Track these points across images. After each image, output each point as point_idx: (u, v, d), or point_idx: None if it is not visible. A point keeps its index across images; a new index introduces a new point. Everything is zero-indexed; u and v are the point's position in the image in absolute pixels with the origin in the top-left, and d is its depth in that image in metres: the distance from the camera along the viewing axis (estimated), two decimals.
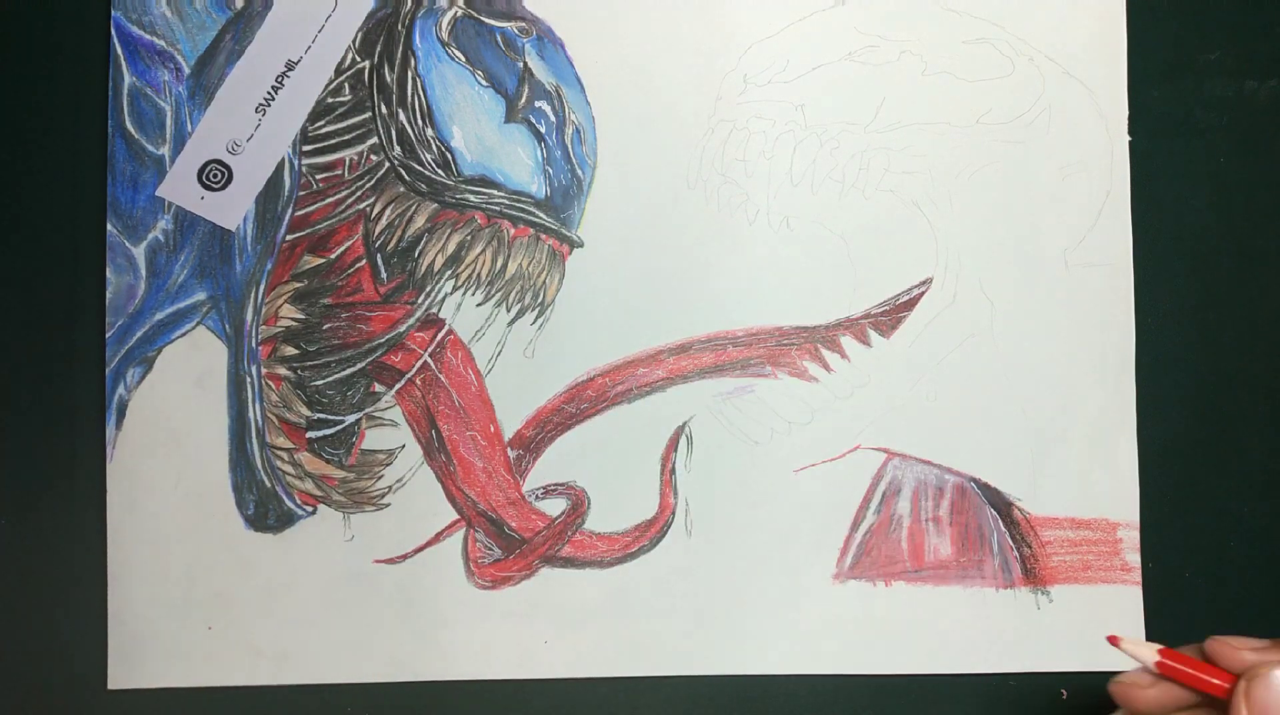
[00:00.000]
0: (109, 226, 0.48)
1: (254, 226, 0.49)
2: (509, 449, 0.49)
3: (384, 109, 0.49)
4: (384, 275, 0.49)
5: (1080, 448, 0.49)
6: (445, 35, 0.49)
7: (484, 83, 0.49)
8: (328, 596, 0.48)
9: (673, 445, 0.49)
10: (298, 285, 0.49)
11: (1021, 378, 0.49)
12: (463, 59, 0.49)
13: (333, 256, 0.49)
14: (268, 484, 0.48)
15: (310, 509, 0.48)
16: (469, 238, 0.49)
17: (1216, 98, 0.51)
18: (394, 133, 0.49)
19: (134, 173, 0.49)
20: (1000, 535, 0.49)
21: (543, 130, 0.49)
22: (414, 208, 0.49)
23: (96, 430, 0.48)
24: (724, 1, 0.49)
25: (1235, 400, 0.50)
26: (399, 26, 0.49)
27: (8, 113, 0.50)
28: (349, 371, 0.49)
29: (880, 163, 0.49)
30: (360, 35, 0.49)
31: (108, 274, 0.48)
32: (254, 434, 0.48)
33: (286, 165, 0.49)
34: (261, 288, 0.49)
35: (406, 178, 0.49)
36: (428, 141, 0.49)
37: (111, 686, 0.48)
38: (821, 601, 0.48)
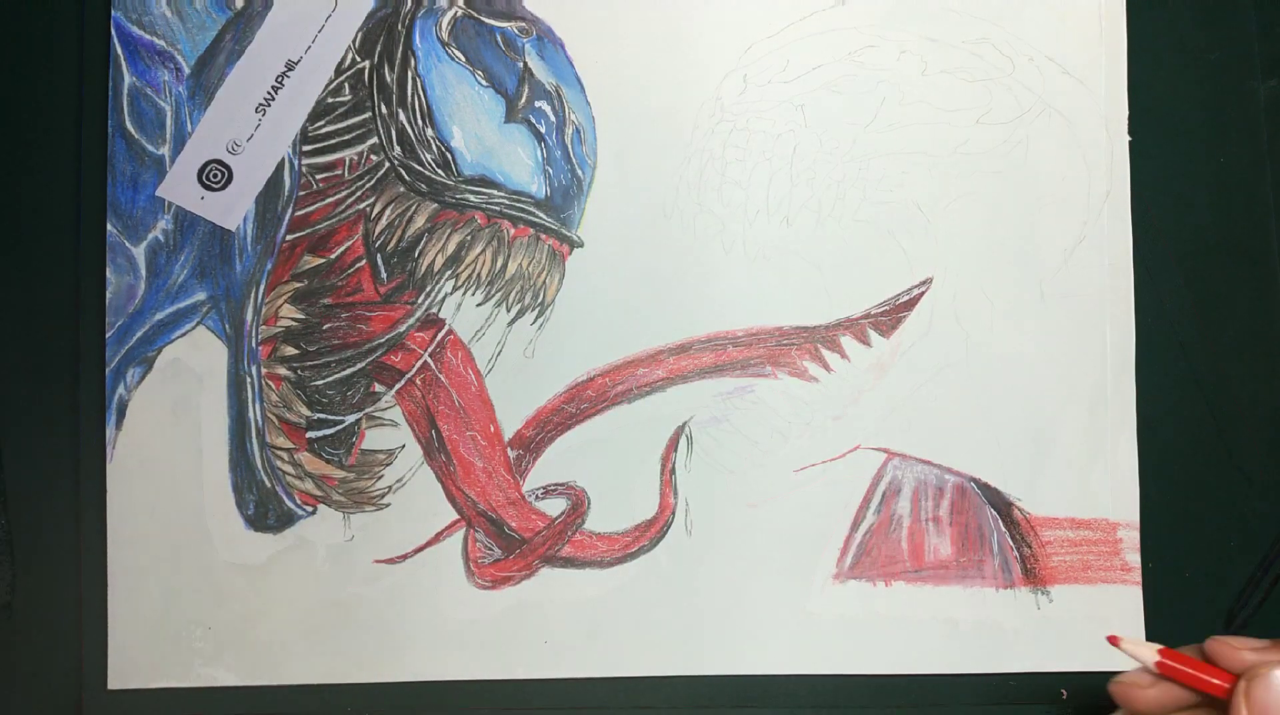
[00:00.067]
0: (109, 226, 0.49)
1: (254, 226, 0.49)
2: (509, 449, 0.49)
3: (384, 109, 0.49)
4: (384, 275, 0.49)
5: (1080, 448, 0.49)
6: (445, 35, 0.49)
7: (484, 83, 0.49)
8: (327, 596, 0.48)
9: (673, 445, 0.49)
10: (298, 285, 0.49)
11: (1022, 378, 0.49)
12: (463, 59, 0.49)
13: (333, 256, 0.49)
14: (268, 484, 0.48)
15: (310, 509, 0.48)
16: (469, 238, 0.49)
17: (1217, 98, 0.51)
18: (394, 133, 0.49)
19: (134, 173, 0.49)
20: (1000, 535, 0.49)
21: (543, 130, 0.49)
22: (414, 208, 0.49)
23: (96, 430, 0.48)
24: (724, 3, 0.50)
25: (1235, 400, 0.50)
26: (399, 26, 0.49)
27: (8, 112, 0.50)
28: (349, 371, 0.49)
29: (881, 167, 0.49)
30: (360, 35, 0.49)
31: (108, 274, 0.48)
32: (254, 434, 0.48)
33: (286, 165, 0.49)
34: (261, 288, 0.49)
35: (406, 178, 0.49)
36: (428, 141, 0.49)
37: (111, 686, 0.48)
38: (821, 601, 0.48)
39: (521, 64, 0.49)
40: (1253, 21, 0.51)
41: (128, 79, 0.49)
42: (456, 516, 0.48)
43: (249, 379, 0.48)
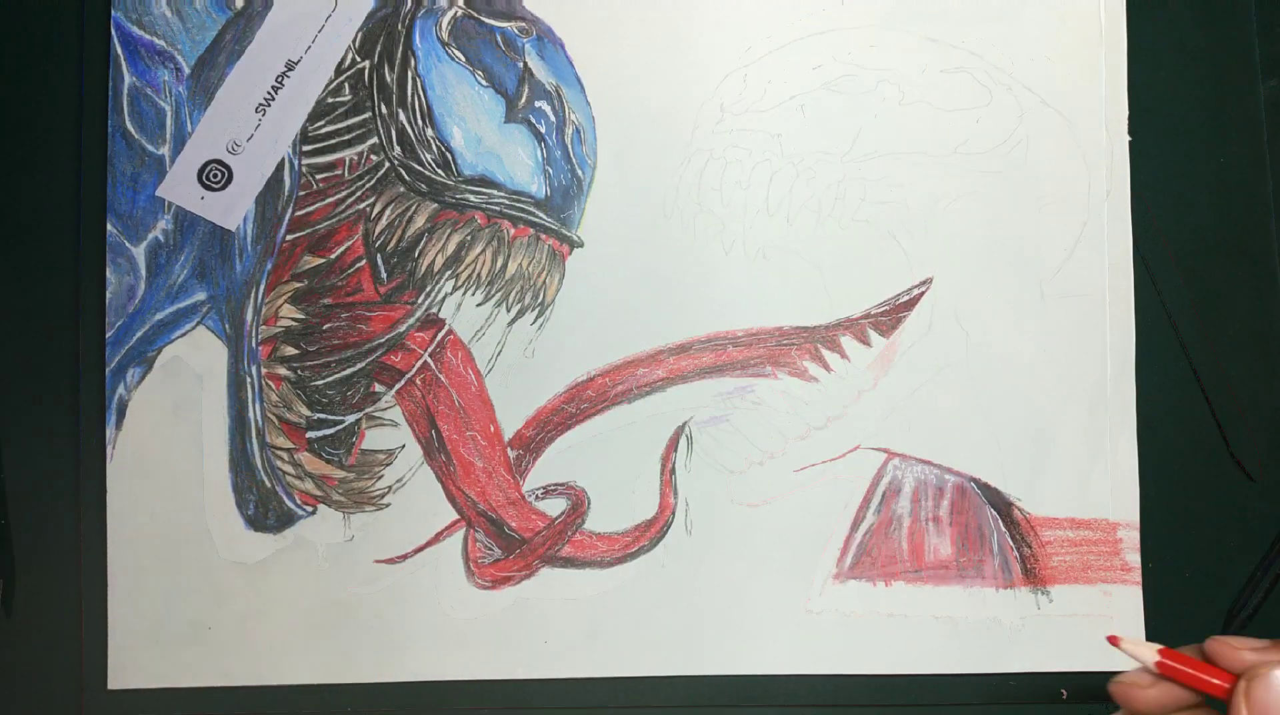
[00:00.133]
0: (109, 226, 0.49)
1: (254, 226, 0.49)
2: (509, 449, 0.49)
3: (384, 109, 0.49)
4: (384, 275, 0.49)
5: (1080, 448, 0.49)
6: (445, 35, 0.49)
7: (484, 83, 0.49)
8: (327, 596, 0.48)
9: (673, 445, 0.49)
10: (298, 285, 0.49)
11: (1022, 378, 0.49)
12: (463, 59, 0.49)
13: (333, 256, 0.49)
14: (268, 484, 0.48)
15: (310, 509, 0.48)
16: (469, 238, 0.49)
17: (1217, 98, 0.51)
18: (394, 133, 0.49)
19: (134, 173, 0.49)
20: (1000, 535, 0.49)
21: (543, 130, 0.49)
22: (414, 208, 0.49)
23: (96, 430, 0.48)
24: (724, 3, 0.50)
25: (1235, 400, 0.50)
26: (399, 26, 0.49)
27: (8, 112, 0.50)
28: (349, 371, 0.49)
29: (881, 167, 0.49)
30: (360, 35, 0.49)
31: (108, 274, 0.48)
32: (254, 434, 0.48)
33: (286, 165, 0.49)
34: (261, 288, 0.49)
35: (406, 178, 0.49)
36: (428, 141, 0.49)
37: (111, 686, 0.48)
38: (821, 601, 0.48)
39: (521, 64, 0.49)
40: (1253, 21, 0.51)
41: (128, 79, 0.49)
42: (456, 516, 0.48)
43: (249, 379, 0.48)
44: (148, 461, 0.48)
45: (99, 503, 0.48)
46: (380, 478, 0.48)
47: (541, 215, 0.49)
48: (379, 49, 0.49)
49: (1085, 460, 0.49)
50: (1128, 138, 0.50)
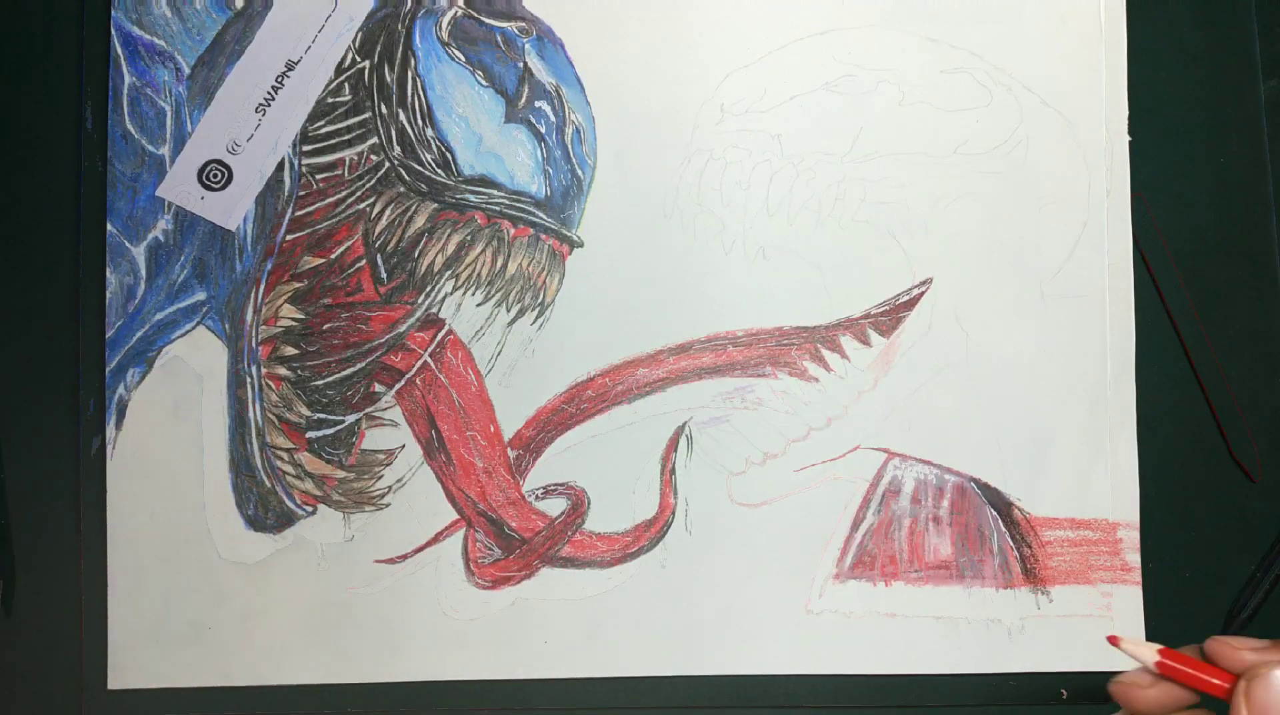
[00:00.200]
0: (109, 226, 0.49)
1: (254, 226, 0.49)
2: (509, 449, 0.49)
3: (384, 109, 0.49)
4: (384, 275, 0.49)
5: (1080, 448, 0.49)
6: (445, 35, 0.49)
7: (484, 83, 0.49)
8: (327, 597, 0.48)
9: (673, 445, 0.49)
10: (298, 285, 0.49)
11: (1022, 378, 0.49)
12: (463, 59, 0.49)
13: (333, 256, 0.49)
14: (268, 484, 0.48)
15: (310, 509, 0.48)
16: (469, 238, 0.49)
17: (1217, 98, 0.51)
18: (394, 133, 0.49)
19: (134, 173, 0.49)
20: (1000, 535, 0.49)
21: (543, 130, 0.49)
22: (414, 208, 0.49)
23: (96, 430, 0.48)
24: (723, 3, 0.50)
25: (1235, 400, 0.50)
26: (399, 26, 0.49)
27: (8, 112, 0.50)
28: (349, 371, 0.49)
29: (881, 167, 0.49)
30: (360, 35, 0.49)
31: (108, 274, 0.48)
32: (254, 434, 0.48)
33: (286, 165, 0.49)
34: (261, 288, 0.49)
35: (406, 178, 0.49)
36: (428, 141, 0.49)
37: (111, 686, 0.48)
38: (821, 601, 0.48)
39: (521, 64, 0.49)
40: (1253, 21, 0.51)
41: (128, 79, 0.49)
42: (456, 516, 0.48)
43: (249, 379, 0.48)
44: (148, 461, 0.48)
45: (99, 503, 0.48)
46: (380, 478, 0.48)
47: (541, 215, 0.49)
48: (379, 49, 0.49)
49: (1085, 460, 0.49)
50: (1128, 138, 0.50)
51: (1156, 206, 0.50)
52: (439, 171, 0.49)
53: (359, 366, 0.49)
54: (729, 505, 0.49)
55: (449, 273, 0.49)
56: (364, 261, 0.49)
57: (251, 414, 0.48)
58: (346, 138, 0.49)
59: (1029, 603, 0.49)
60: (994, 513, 0.49)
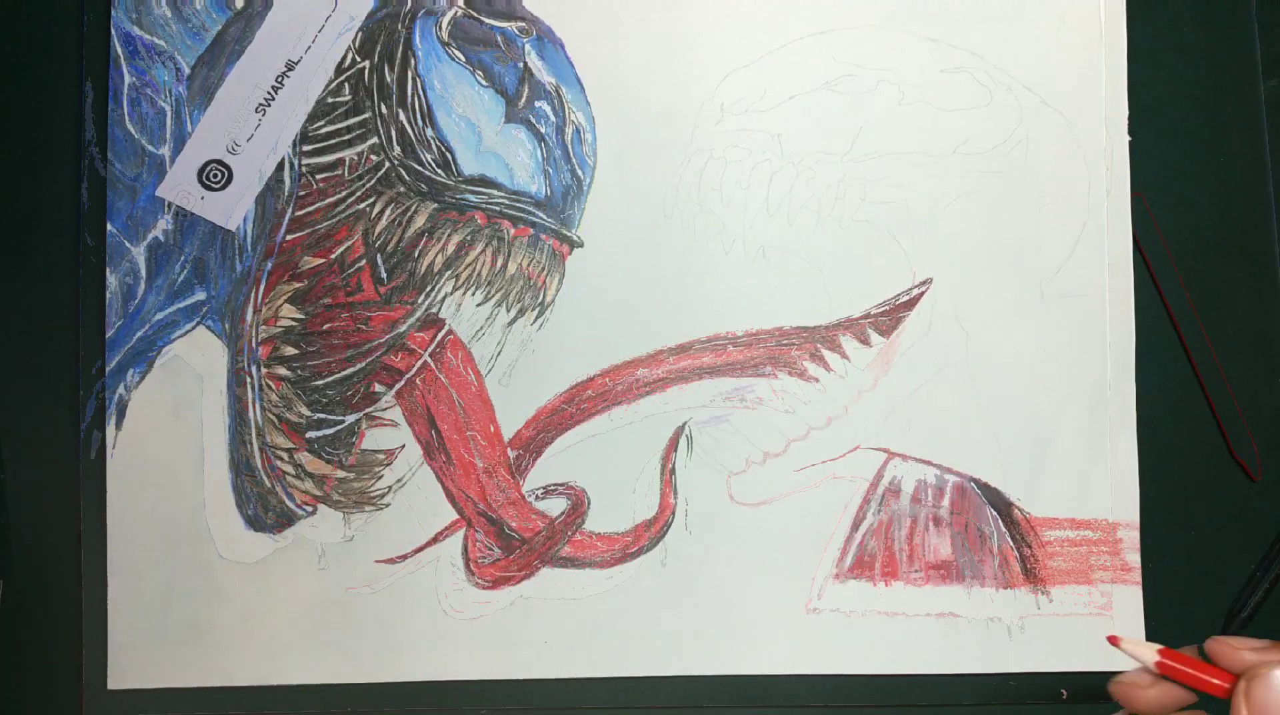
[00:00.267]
0: (109, 226, 0.49)
1: (254, 226, 0.49)
2: (509, 449, 0.49)
3: (384, 109, 0.49)
4: (384, 275, 0.49)
5: (1080, 448, 0.49)
6: (445, 35, 0.49)
7: (484, 83, 0.49)
8: (327, 596, 0.48)
9: (673, 445, 0.49)
10: (298, 285, 0.49)
11: (1022, 377, 0.49)
12: (463, 59, 0.49)
13: (333, 256, 0.49)
14: (268, 484, 0.48)
15: (310, 509, 0.48)
16: (469, 238, 0.49)
17: (1217, 98, 0.51)
18: (394, 133, 0.49)
19: (134, 173, 0.49)
20: (1000, 535, 0.49)
21: (543, 130, 0.49)
22: (414, 208, 0.49)
23: (96, 430, 0.48)
24: (723, 3, 0.50)
25: (1235, 400, 0.50)
26: (399, 26, 0.49)
27: (8, 112, 0.50)
28: (349, 371, 0.49)
29: (881, 167, 0.49)
30: (360, 35, 0.49)
31: (108, 274, 0.48)
32: (254, 434, 0.48)
33: (286, 165, 0.49)
34: (261, 288, 0.49)
35: (406, 178, 0.49)
36: (428, 141, 0.49)
37: (111, 686, 0.48)
38: (821, 601, 0.48)
39: (521, 64, 0.49)
40: (1253, 21, 0.51)
41: (128, 79, 0.49)
42: (456, 516, 0.48)
43: (249, 379, 0.48)
44: (148, 461, 0.48)
45: (99, 503, 0.48)
46: (380, 478, 0.48)
47: (541, 215, 0.49)
48: (379, 49, 0.49)
49: (1085, 460, 0.49)
50: (1128, 138, 0.50)
51: (1156, 206, 0.50)
52: (439, 171, 0.49)
53: (359, 366, 0.49)
54: (729, 505, 0.49)
55: (449, 273, 0.49)
56: (364, 261, 0.49)
57: (251, 414, 0.48)
58: (346, 138, 0.49)
59: (1029, 603, 0.49)
60: (994, 513, 0.49)
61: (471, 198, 0.49)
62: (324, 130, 0.49)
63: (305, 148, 0.49)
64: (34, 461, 0.49)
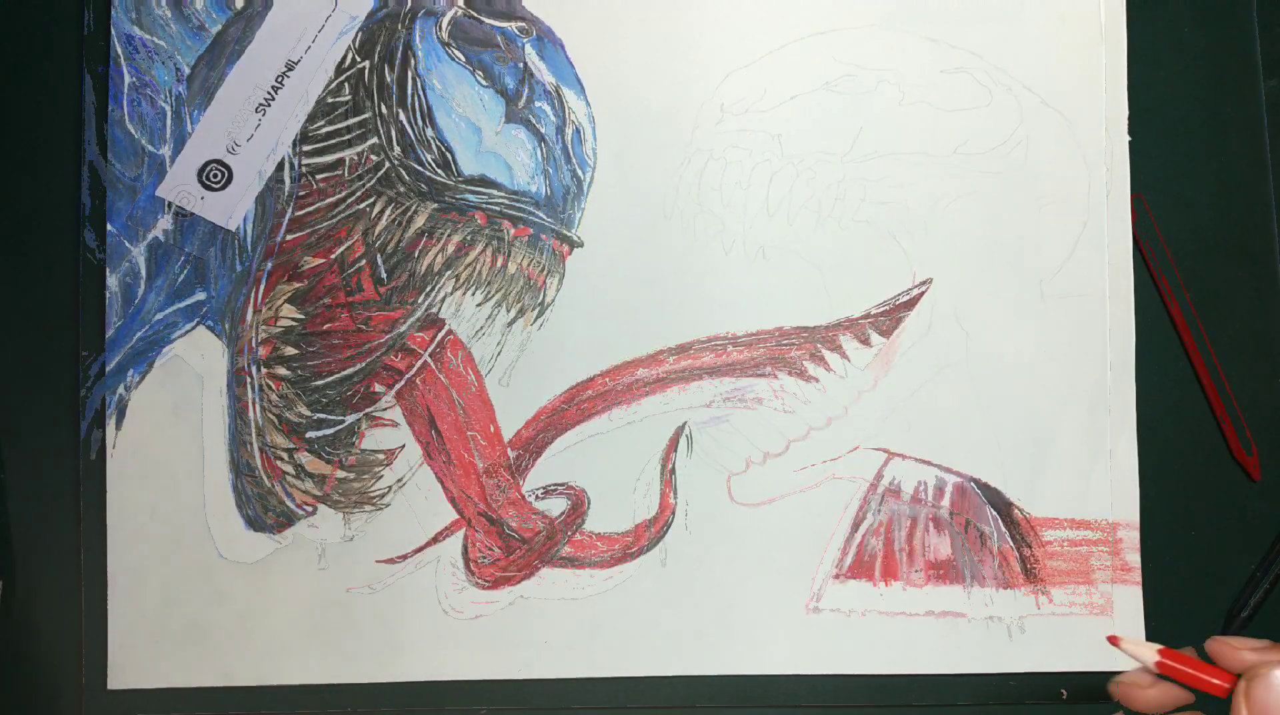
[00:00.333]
0: (109, 226, 0.49)
1: (254, 226, 0.49)
2: (509, 449, 0.49)
3: (384, 109, 0.49)
4: (384, 275, 0.49)
5: (1080, 448, 0.49)
6: (445, 35, 0.49)
7: (484, 83, 0.49)
8: (328, 597, 0.48)
9: (673, 445, 0.49)
10: (298, 285, 0.49)
11: (1022, 377, 0.49)
12: (463, 59, 0.49)
13: (333, 256, 0.49)
14: (268, 484, 0.48)
15: (310, 509, 0.48)
16: (469, 238, 0.49)
17: (1217, 98, 0.51)
18: (394, 133, 0.49)
19: (134, 173, 0.49)
20: (1000, 535, 0.49)
21: (543, 130, 0.49)
22: (414, 208, 0.49)
23: (97, 430, 0.48)
24: (723, 3, 0.50)
25: (1235, 400, 0.50)
26: (399, 26, 0.49)
27: (8, 112, 0.50)
28: (349, 371, 0.49)
29: (881, 167, 0.49)
30: (360, 35, 0.49)
31: (108, 274, 0.48)
32: (254, 434, 0.48)
33: (286, 165, 0.49)
34: (261, 288, 0.49)
35: (406, 178, 0.49)
36: (428, 141, 0.49)
37: (111, 686, 0.48)
38: (821, 601, 0.48)
39: (521, 64, 0.49)
40: (1253, 21, 0.51)
41: (128, 79, 0.49)
42: (456, 516, 0.48)
43: (249, 379, 0.48)
44: (148, 461, 0.48)
45: (99, 503, 0.48)
46: (380, 478, 0.48)
47: (541, 215, 0.49)
48: (379, 49, 0.49)
49: (1085, 460, 0.49)
50: (1128, 138, 0.50)
51: (1156, 206, 0.50)
52: (439, 171, 0.49)
53: (359, 366, 0.49)
54: (729, 505, 0.49)
55: (449, 273, 0.49)
56: (364, 261, 0.49)
57: (251, 414, 0.48)
58: (346, 138, 0.49)
59: (1029, 603, 0.49)
60: (994, 513, 0.49)
61: (471, 198, 0.49)
62: (324, 130, 0.49)
63: (305, 148, 0.49)
64: (34, 461, 0.49)
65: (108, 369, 0.48)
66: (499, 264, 0.49)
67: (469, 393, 0.49)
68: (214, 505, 0.48)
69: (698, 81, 0.49)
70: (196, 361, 0.48)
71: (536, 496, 0.49)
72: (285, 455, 0.48)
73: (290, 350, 0.49)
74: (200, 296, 0.49)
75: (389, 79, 0.49)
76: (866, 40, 0.49)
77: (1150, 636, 0.49)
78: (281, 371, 0.49)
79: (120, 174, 0.49)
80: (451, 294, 0.49)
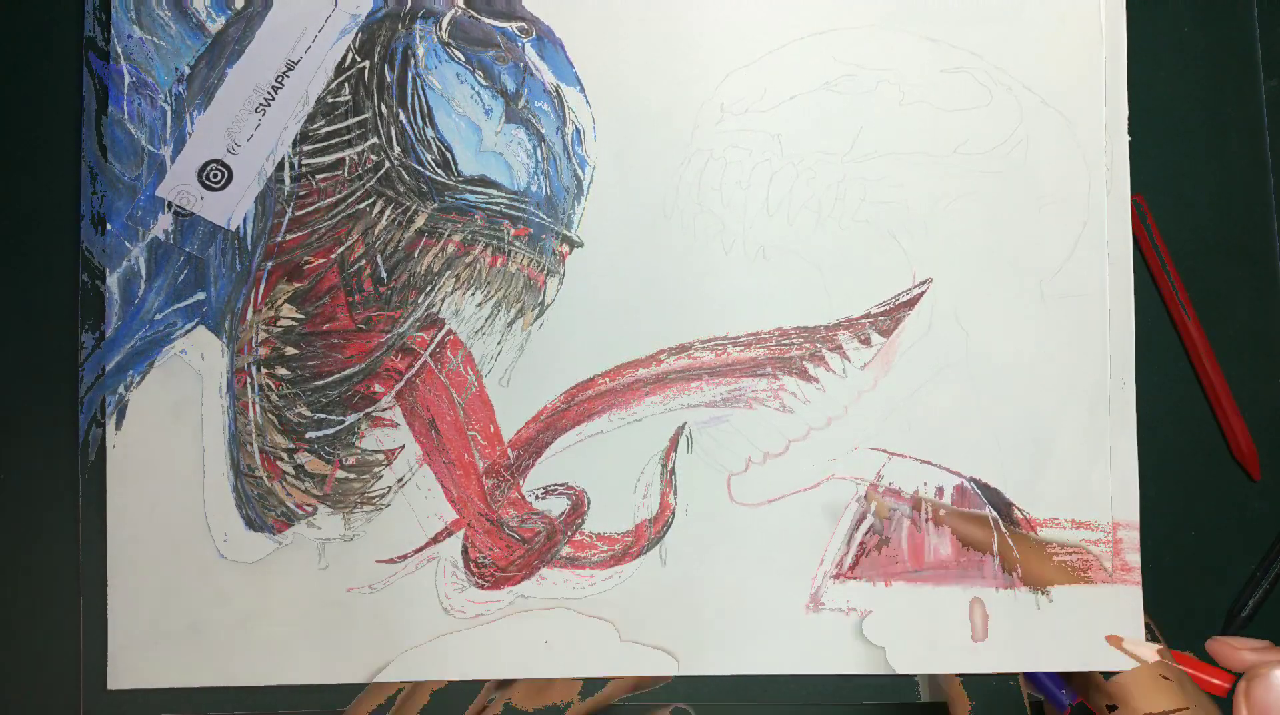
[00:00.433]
0: (108, 227, 0.49)
1: (254, 226, 0.49)
2: (509, 449, 0.49)
3: (384, 109, 0.49)
4: (384, 275, 0.49)
5: (1080, 448, 0.49)
6: (445, 35, 0.49)
7: (484, 83, 0.49)
8: (327, 597, 0.48)
9: (672, 445, 0.49)
10: (298, 285, 0.49)
11: (1021, 378, 0.49)
12: (463, 59, 0.49)
13: (333, 256, 0.49)
14: (267, 484, 0.48)
15: (310, 509, 0.48)
16: (469, 238, 0.49)
17: (1217, 98, 0.51)
18: (394, 133, 0.49)
19: (134, 173, 0.49)
20: (1000, 535, 0.49)
21: (543, 130, 0.49)
22: (414, 208, 0.49)
23: (96, 430, 0.48)
24: (723, 3, 0.50)
25: (1235, 400, 0.50)
26: (399, 26, 0.49)
27: (7, 112, 0.50)
28: (349, 371, 0.49)
29: (881, 167, 0.49)
30: (360, 35, 0.49)
31: (108, 274, 0.48)
32: (254, 434, 0.48)
33: (286, 165, 0.49)
34: (261, 288, 0.49)
35: (406, 178, 0.49)
36: (428, 141, 0.49)
37: (111, 686, 0.48)
38: (822, 601, 0.48)
39: (521, 64, 0.49)
40: (1253, 21, 0.51)
41: (128, 79, 0.49)
42: (456, 516, 0.48)
43: (249, 379, 0.48)
44: (148, 462, 0.48)
45: (99, 503, 0.48)
46: (380, 478, 0.48)
47: (541, 215, 0.49)
48: (379, 49, 0.49)
49: (1085, 460, 0.49)
50: (1128, 138, 0.50)
51: (1156, 206, 0.50)
52: (439, 171, 0.49)
53: (359, 366, 0.49)
54: (729, 505, 0.49)
55: (449, 273, 0.49)
56: (364, 261, 0.49)
57: (251, 414, 0.48)
58: (346, 138, 0.49)
59: (1029, 603, 0.49)
60: (994, 513, 0.49)
61: (471, 198, 0.49)
62: (324, 130, 0.49)
63: (305, 148, 0.49)
64: (34, 461, 0.49)
65: (107, 369, 0.48)
66: (499, 264, 0.49)
67: (469, 393, 0.49)
68: (214, 505, 0.48)
69: (698, 81, 0.49)
70: (196, 361, 0.48)
71: (536, 496, 0.49)
72: (285, 455, 0.48)
73: (290, 350, 0.49)
74: (200, 296, 0.49)
75: (389, 79, 0.49)
76: (866, 40, 0.49)
77: (1150, 637, 0.49)
78: (281, 371, 0.49)
79: (120, 174, 0.49)
80: (451, 294, 0.49)
